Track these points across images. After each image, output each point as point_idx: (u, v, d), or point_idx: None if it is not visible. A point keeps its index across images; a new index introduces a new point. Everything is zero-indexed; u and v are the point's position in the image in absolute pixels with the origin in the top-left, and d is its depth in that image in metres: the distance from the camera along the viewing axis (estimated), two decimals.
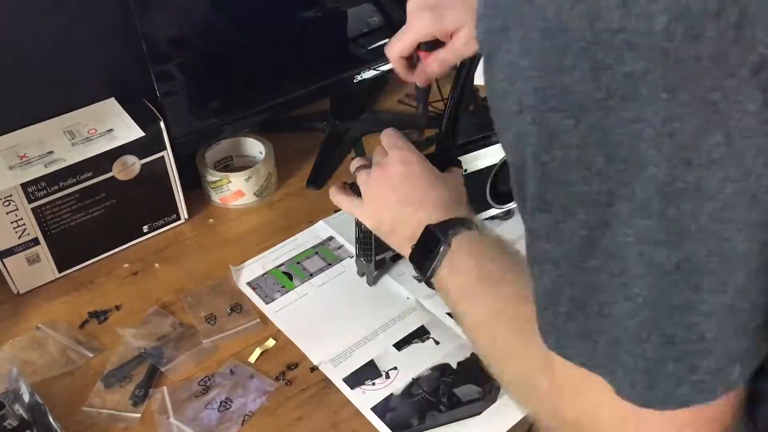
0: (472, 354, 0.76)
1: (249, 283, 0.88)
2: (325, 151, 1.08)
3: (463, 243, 0.64)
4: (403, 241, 0.70)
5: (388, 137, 0.76)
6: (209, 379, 0.76)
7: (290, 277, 0.89)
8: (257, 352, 0.78)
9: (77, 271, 0.90)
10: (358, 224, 0.82)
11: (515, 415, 0.71)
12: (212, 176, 0.97)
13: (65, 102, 0.88)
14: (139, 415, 0.73)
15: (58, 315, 0.84)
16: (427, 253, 0.66)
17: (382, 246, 0.79)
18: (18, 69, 0.84)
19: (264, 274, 0.89)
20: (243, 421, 0.72)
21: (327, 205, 0.87)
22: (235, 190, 0.97)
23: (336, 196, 0.78)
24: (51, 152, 0.83)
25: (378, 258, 0.83)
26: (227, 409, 0.73)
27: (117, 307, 0.84)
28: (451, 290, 0.64)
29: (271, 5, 0.95)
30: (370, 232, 0.78)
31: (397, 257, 0.87)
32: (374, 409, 0.73)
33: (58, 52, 0.86)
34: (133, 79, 0.90)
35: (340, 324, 0.82)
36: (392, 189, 0.71)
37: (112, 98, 0.90)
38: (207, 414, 0.72)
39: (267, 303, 0.85)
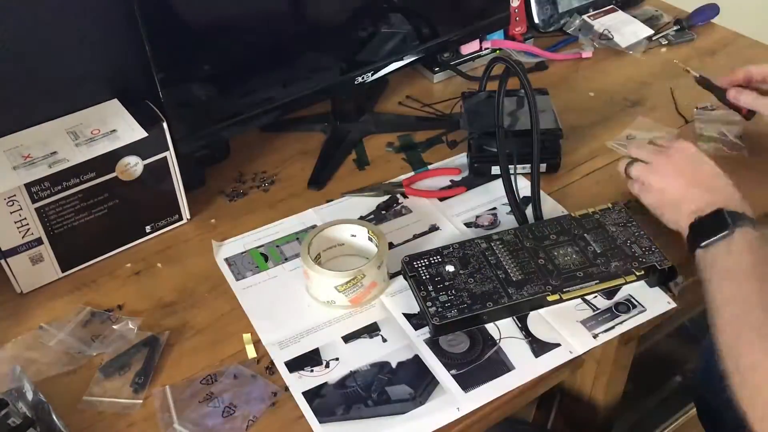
0: (415, 356, 0.78)
1: (226, 259, 0.91)
2: (327, 152, 1.09)
3: (746, 237, 0.75)
4: (685, 213, 0.81)
5: (660, 142, 0.91)
6: (211, 379, 0.76)
7: (266, 258, 0.91)
8: (250, 348, 0.79)
9: (80, 270, 0.90)
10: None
11: (437, 421, 0.72)
12: (341, 278, 0.81)
13: (69, 103, 0.89)
14: (141, 401, 0.74)
15: (60, 314, 0.84)
16: (710, 229, 0.77)
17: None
18: (21, 70, 0.85)
19: (243, 253, 0.92)
20: (247, 426, 0.72)
21: None
22: (369, 284, 0.83)
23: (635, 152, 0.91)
24: (54, 152, 0.83)
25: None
26: (231, 414, 0.73)
27: (119, 307, 0.85)
28: (718, 269, 0.75)
29: (274, 7, 0.95)
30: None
31: None
32: (305, 393, 0.75)
33: (62, 53, 0.86)
34: (136, 80, 0.90)
35: (298, 309, 0.84)
36: (680, 172, 0.85)
37: (115, 99, 0.91)
38: (211, 420, 0.72)
39: (238, 279, 0.88)
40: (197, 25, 0.90)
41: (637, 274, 0.83)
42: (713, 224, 0.78)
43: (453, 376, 0.75)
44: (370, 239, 0.87)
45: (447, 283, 0.81)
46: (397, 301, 0.84)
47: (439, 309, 0.79)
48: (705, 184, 0.83)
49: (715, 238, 0.76)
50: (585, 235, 0.87)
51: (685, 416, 1.40)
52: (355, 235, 0.88)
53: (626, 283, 0.82)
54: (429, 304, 0.80)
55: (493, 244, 0.86)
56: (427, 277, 0.82)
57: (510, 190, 0.94)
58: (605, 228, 0.88)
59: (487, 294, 0.80)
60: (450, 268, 0.83)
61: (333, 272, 0.81)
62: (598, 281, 0.82)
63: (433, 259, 0.84)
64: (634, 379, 1.02)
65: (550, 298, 0.81)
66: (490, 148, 1.01)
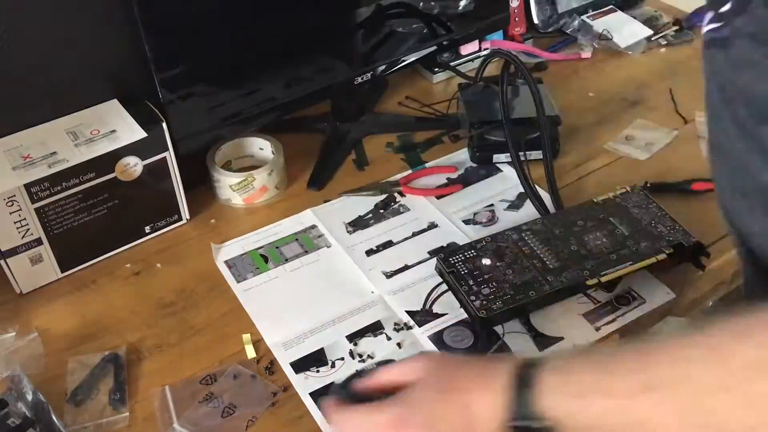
0: (420, 353, 0.77)
1: (226, 262, 0.91)
2: (326, 153, 1.09)
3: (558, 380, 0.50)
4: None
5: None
6: (211, 379, 0.76)
7: (266, 259, 0.91)
8: (250, 349, 0.79)
9: (80, 271, 0.90)
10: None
11: None
12: (235, 178, 0.97)
13: (68, 103, 0.89)
14: (127, 413, 0.73)
15: (60, 314, 0.84)
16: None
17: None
18: (21, 70, 0.85)
19: (242, 255, 0.92)
20: (247, 426, 0.72)
21: None
22: (259, 187, 0.98)
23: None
24: (54, 153, 0.83)
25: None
26: (231, 414, 0.73)
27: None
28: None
29: (274, 8, 0.95)
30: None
31: (371, 251, 0.91)
32: (312, 394, 0.75)
33: (61, 53, 0.86)
34: (135, 80, 0.90)
35: (301, 309, 0.84)
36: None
37: (115, 99, 0.91)
38: (211, 420, 0.72)
39: (238, 282, 0.88)
40: (197, 25, 0.90)
41: (667, 252, 0.84)
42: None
43: None
44: (273, 153, 1.00)
45: (486, 276, 0.82)
46: (399, 298, 0.84)
47: (484, 302, 0.79)
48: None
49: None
50: (610, 218, 0.88)
51: None
52: (262, 149, 1.03)
53: (658, 261, 0.83)
54: (473, 297, 0.80)
55: (524, 235, 0.87)
56: (466, 271, 0.82)
57: (528, 185, 0.96)
58: (628, 210, 0.90)
59: (528, 283, 0.81)
60: (487, 261, 0.83)
61: (228, 173, 0.97)
62: (631, 262, 0.83)
63: (468, 254, 0.85)
64: None
65: (589, 282, 0.81)
66: (490, 136, 1.03)
